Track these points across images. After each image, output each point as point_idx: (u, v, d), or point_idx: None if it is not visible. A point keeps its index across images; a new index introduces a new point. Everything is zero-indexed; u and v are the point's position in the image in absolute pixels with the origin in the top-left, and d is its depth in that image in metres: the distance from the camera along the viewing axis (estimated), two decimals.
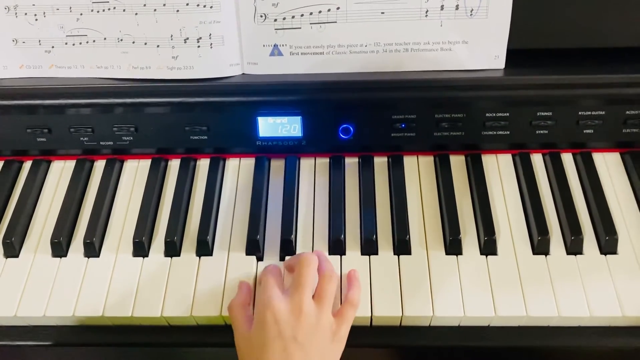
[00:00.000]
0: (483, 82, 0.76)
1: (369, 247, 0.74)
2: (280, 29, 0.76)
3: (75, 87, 0.78)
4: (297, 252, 0.75)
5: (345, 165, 0.83)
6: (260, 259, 0.74)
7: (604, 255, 0.73)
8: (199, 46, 0.76)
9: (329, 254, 0.74)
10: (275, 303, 0.63)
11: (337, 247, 0.74)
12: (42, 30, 0.78)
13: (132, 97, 0.78)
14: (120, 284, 0.72)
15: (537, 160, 0.82)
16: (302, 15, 0.75)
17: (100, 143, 0.82)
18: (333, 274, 0.68)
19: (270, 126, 0.80)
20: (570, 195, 0.77)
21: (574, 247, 0.73)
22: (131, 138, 0.81)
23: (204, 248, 0.74)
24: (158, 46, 0.76)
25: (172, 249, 0.75)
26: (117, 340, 0.72)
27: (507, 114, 0.78)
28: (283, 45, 0.77)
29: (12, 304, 0.71)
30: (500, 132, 0.79)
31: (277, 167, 0.83)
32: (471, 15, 0.74)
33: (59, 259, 0.75)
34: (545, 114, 0.78)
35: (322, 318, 0.63)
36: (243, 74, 0.79)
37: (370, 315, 0.69)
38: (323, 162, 0.84)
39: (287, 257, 0.74)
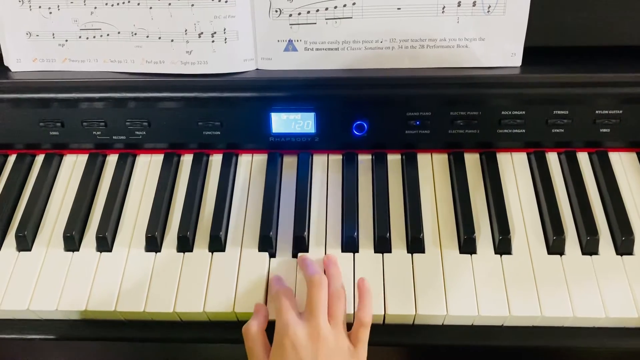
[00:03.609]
0: (499, 79, 0.76)
1: (383, 245, 0.73)
2: (295, 24, 0.75)
3: (88, 81, 0.78)
4: (310, 249, 0.74)
5: (358, 162, 0.82)
6: (272, 255, 0.74)
7: (620, 256, 0.72)
8: (213, 41, 0.75)
9: (342, 251, 0.74)
10: (292, 330, 0.63)
11: (350, 244, 0.74)
12: (56, 24, 0.77)
13: (145, 92, 0.78)
14: (132, 279, 0.72)
15: (553, 159, 0.81)
16: (317, 10, 0.74)
17: (113, 137, 0.82)
18: (342, 291, 0.68)
19: (284, 122, 0.79)
20: (586, 195, 0.76)
21: (589, 247, 0.72)
22: (144, 133, 0.81)
23: (217, 244, 0.74)
24: (172, 40, 0.76)
25: (185, 245, 0.74)
26: (129, 335, 0.72)
27: (523, 112, 0.77)
28: (298, 40, 0.76)
29: (25, 297, 0.71)
30: (516, 131, 0.78)
31: (289, 163, 0.83)
32: (488, 12, 0.73)
33: (71, 253, 0.75)
34: (562, 112, 0.77)
35: (339, 339, 0.64)
36: (257, 69, 0.78)
37: (383, 313, 0.68)
38: (336, 158, 0.83)
39: (299, 254, 0.73)
